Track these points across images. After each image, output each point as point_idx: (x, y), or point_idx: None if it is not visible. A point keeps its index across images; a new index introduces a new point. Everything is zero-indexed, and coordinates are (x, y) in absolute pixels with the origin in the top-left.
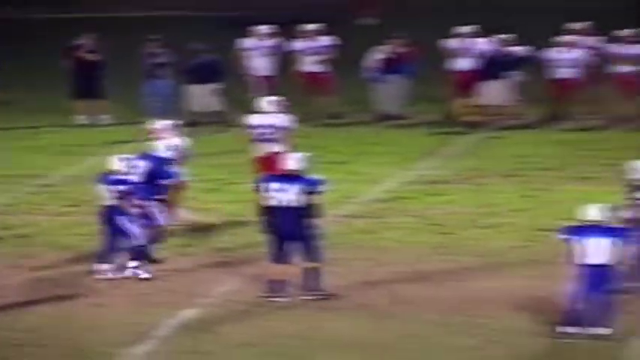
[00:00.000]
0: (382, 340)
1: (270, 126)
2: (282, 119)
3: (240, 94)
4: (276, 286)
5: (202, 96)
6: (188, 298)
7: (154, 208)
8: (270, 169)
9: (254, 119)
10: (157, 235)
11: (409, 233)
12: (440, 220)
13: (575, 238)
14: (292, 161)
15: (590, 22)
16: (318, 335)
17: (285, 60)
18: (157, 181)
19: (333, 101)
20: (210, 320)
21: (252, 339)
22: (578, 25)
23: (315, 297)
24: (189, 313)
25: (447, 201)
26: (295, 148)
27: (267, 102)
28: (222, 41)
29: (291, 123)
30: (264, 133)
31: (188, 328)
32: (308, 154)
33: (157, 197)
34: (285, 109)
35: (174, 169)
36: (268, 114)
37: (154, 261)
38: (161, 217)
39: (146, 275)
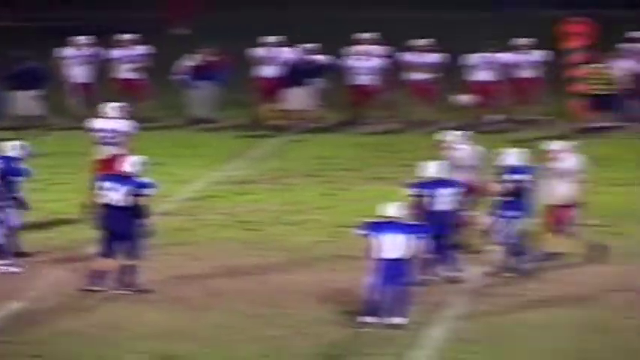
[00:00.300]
0: (197, 330)
1: (112, 130)
2: (123, 124)
3: (61, 100)
4: (99, 279)
5: (25, 101)
6: (17, 292)
7: (10, 207)
8: (110, 171)
9: (97, 123)
10: (15, 232)
11: (220, 230)
12: (248, 217)
13: (373, 233)
14: (127, 164)
15: (377, 32)
16: (137, 326)
17: (103, 67)
18: (9, 179)
19: (149, 106)
20: (37, 311)
21: (77, 328)
22: (367, 35)
23: (131, 292)
24: (17, 306)
25: (255, 200)
26: (133, 152)
27: (110, 107)
28: (44, 50)
29: (132, 128)
30: (105, 137)
31: (17, 319)
32: (143, 157)
33: (11, 196)
34: (127, 115)
35: (22, 166)
36: (111, 119)
37: (22, 254)
38: (16, 214)
39: (16, 270)
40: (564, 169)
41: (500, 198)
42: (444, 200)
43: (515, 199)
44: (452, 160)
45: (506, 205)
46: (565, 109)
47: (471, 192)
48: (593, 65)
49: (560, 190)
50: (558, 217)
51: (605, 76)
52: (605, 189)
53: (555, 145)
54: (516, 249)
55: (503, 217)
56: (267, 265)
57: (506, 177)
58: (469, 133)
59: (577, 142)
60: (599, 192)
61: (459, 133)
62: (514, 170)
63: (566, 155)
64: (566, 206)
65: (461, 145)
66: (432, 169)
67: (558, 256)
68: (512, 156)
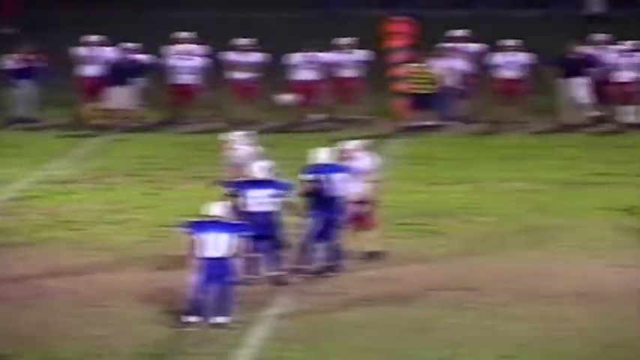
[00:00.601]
0: (19, 329)
1: None
2: None
3: None
4: None
5: None
6: None
7: None
8: None
9: None
10: None
11: (43, 230)
12: (71, 217)
13: (196, 232)
14: None
15: (199, 32)
16: None
17: None
18: None
19: None
20: None
21: None
22: (187, 34)
23: None
24: None
25: (77, 199)
26: None
27: None
28: None
29: None
30: None
31: None
32: None
33: None
34: None
35: None
36: None
37: None
38: None
39: None
40: (359, 168)
41: (305, 197)
42: (261, 201)
43: (321, 199)
44: (233, 160)
45: (313, 205)
46: (387, 108)
47: None
48: (414, 64)
49: (355, 189)
50: (356, 215)
51: (426, 76)
52: (425, 188)
53: (349, 144)
54: (329, 248)
55: (310, 216)
56: (90, 265)
57: (311, 177)
58: (251, 133)
59: (372, 142)
60: (420, 191)
61: (240, 133)
62: (320, 169)
63: (360, 154)
64: (362, 204)
65: (241, 146)
66: (253, 170)
67: (375, 255)
68: (320, 155)
